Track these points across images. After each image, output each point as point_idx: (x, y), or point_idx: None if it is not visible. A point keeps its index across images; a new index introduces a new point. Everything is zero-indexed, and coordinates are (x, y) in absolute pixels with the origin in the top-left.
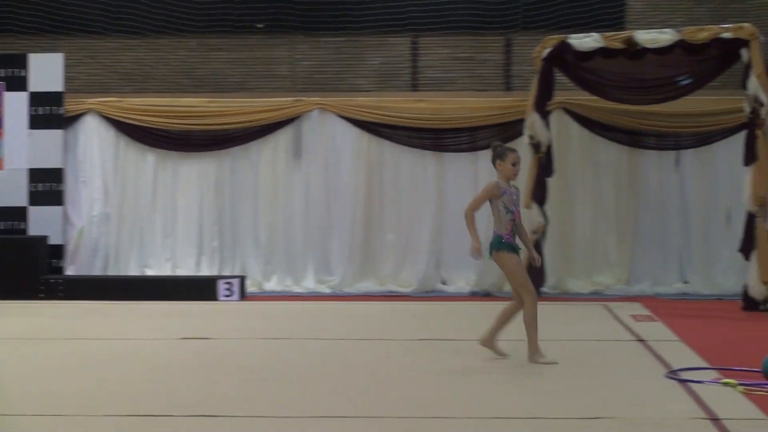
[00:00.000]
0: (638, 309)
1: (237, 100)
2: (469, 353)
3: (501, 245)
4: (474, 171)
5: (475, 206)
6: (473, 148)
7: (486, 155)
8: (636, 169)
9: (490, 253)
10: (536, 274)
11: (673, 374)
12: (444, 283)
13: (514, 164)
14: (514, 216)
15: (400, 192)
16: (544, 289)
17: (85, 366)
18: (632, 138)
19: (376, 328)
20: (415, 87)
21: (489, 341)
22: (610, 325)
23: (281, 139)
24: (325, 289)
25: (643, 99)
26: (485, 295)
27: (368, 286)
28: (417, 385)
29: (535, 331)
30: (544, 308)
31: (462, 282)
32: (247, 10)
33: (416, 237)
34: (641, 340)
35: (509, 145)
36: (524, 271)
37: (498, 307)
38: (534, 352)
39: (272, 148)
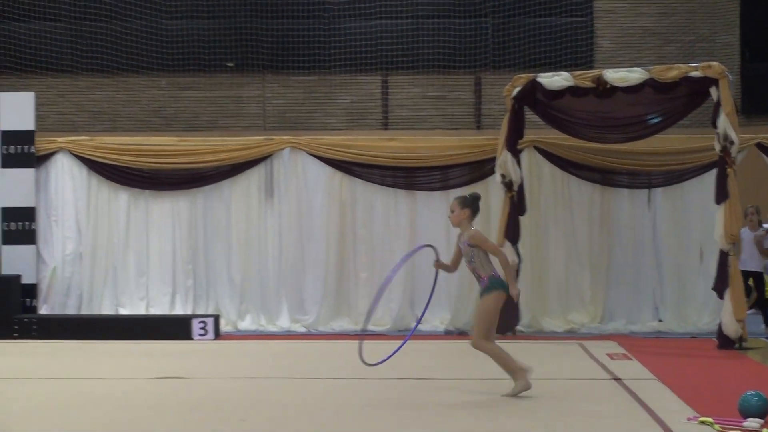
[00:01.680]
0: (613, 347)
1: (208, 138)
2: (448, 391)
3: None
4: (446, 209)
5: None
6: (445, 186)
7: (457, 193)
8: (608, 207)
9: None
10: (511, 313)
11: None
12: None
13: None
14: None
15: (372, 230)
16: (519, 328)
17: (58, 406)
18: (604, 176)
19: (352, 366)
20: (385, 125)
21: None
22: (585, 364)
23: (253, 177)
24: (299, 328)
25: (614, 137)
26: (460, 334)
27: (342, 324)
28: (396, 423)
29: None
30: (519, 346)
31: (437, 321)
32: (217, 49)
33: None
34: (617, 379)
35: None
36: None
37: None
38: None
39: (244, 187)
